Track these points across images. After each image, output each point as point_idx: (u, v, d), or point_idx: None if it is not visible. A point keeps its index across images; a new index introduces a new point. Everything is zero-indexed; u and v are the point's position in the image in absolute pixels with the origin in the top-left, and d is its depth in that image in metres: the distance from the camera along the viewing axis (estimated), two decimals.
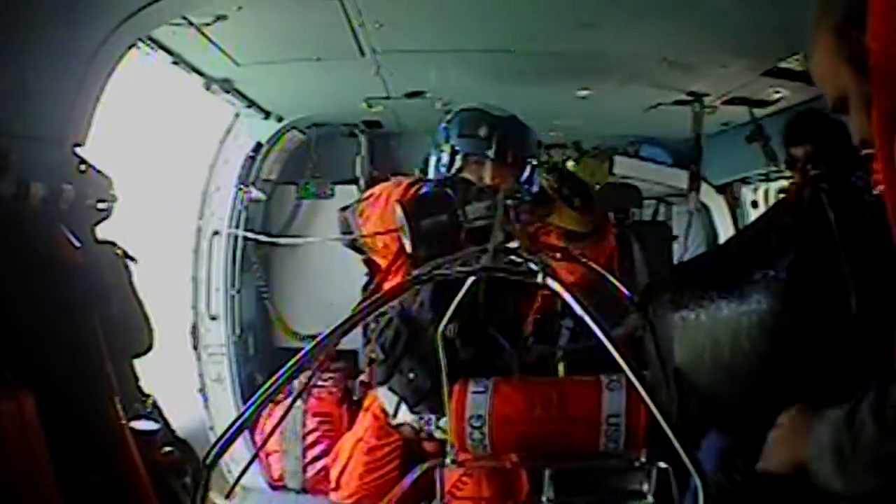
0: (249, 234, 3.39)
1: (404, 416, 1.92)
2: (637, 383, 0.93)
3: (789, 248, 1.18)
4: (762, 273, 1.11)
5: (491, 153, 1.85)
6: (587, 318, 0.98)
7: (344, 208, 2.02)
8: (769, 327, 1.07)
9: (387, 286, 1.74)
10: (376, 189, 1.95)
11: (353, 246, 1.98)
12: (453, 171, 1.90)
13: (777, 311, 1.08)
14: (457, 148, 1.90)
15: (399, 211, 1.54)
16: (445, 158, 1.91)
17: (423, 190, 1.76)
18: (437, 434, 1.88)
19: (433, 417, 1.88)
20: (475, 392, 1.31)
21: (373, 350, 1.94)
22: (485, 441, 1.28)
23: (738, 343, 1.11)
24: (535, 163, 1.96)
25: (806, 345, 1.02)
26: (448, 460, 1.39)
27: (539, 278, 1.10)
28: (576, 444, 1.26)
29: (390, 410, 1.94)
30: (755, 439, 1.06)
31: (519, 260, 1.27)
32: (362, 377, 2.58)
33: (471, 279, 1.46)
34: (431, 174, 1.97)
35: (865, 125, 0.89)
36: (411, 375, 1.87)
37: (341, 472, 1.99)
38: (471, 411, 1.29)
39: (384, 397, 1.96)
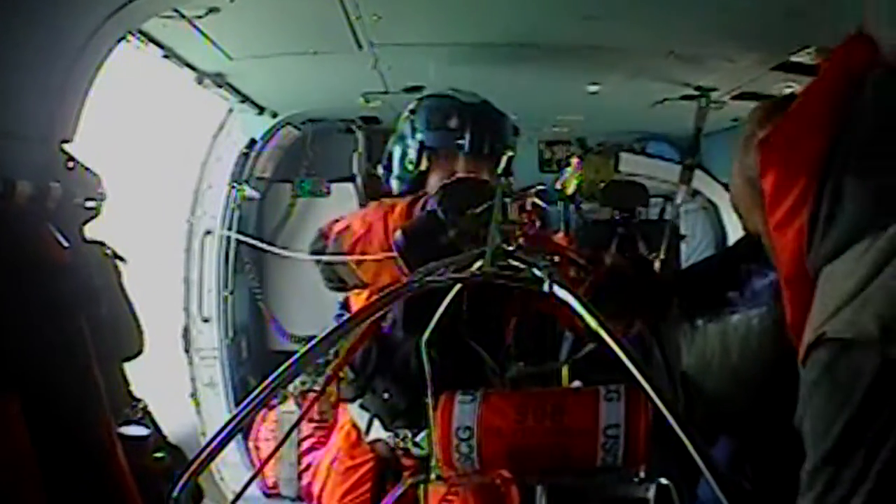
0: (242, 238, 3.38)
1: (378, 432, 1.87)
2: (652, 392, 0.91)
3: None
4: (774, 274, 1.11)
5: (464, 146, 1.74)
6: (599, 328, 0.96)
7: (316, 251, 1.81)
8: (780, 329, 1.07)
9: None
10: (353, 224, 1.75)
11: (341, 287, 1.80)
12: (422, 167, 1.81)
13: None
14: (425, 142, 1.79)
15: (393, 246, 1.49)
16: (412, 154, 1.80)
17: (412, 220, 1.65)
18: (414, 450, 1.83)
19: (409, 434, 1.83)
20: (463, 402, 1.28)
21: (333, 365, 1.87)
22: (472, 454, 1.25)
23: (748, 346, 1.11)
24: (511, 154, 1.87)
25: None
26: (433, 476, 1.36)
27: (545, 286, 1.07)
28: (571, 457, 1.23)
29: (363, 427, 1.89)
30: (764, 445, 1.06)
31: (520, 265, 1.24)
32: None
33: (455, 288, 1.41)
34: (396, 170, 1.88)
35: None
36: (385, 395, 1.81)
37: (321, 492, 1.96)
38: (458, 422, 1.25)
39: (356, 414, 1.91)
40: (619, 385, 1.23)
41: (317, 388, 3.30)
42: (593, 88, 2.75)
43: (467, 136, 1.74)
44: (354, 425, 1.92)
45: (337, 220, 1.84)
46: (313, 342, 1.01)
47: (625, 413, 1.21)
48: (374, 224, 1.70)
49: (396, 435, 1.83)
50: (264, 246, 3.30)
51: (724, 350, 1.13)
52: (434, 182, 1.79)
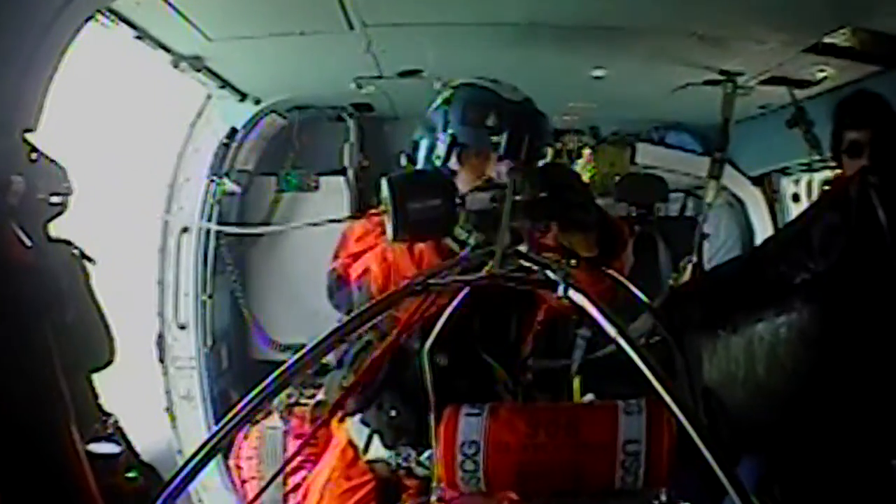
0: (224, 228, 3.38)
1: (377, 451, 1.85)
2: (674, 405, 0.90)
3: (833, 248, 1.18)
4: (802, 277, 1.10)
5: (501, 148, 1.71)
6: (620, 338, 0.96)
7: (340, 301, 1.76)
8: (810, 337, 1.07)
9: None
10: (371, 266, 1.68)
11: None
12: (452, 163, 1.82)
13: (819, 319, 1.08)
14: (458, 138, 1.77)
15: (385, 188, 1.46)
16: (442, 148, 1.78)
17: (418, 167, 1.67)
18: (419, 471, 1.81)
19: (412, 453, 1.80)
20: (469, 415, 1.28)
21: (346, 377, 1.83)
22: (478, 472, 1.24)
23: (776, 356, 1.11)
24: (546, 156, 1.88)
25: (851, 357, 1.02)
26: (433, 498, 1.35)
27: (559, 290, 1.06)
28: (586, 476, 1.23)
29: (361, 445, 1.87)
30: (794, 464, 1.06)
31: (532, 267, 1.24)
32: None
33: (460, 292, 1.40)
34: (422, 164, 1.89)
35: None
36: (393, 413, 1.79)
37: None
38: (463, 437, 1.24)
39: (354, 430, 1.89)
40: (640, 399, 1.22)
41: (304, 401, 3.31)
42: (598, 73, 2.74)
43: (505, 137, 1.72)
44: (351, 443, 1.92)
45: (351, 256, 1.80)
46: (305, 350, 1.01)
47: (646, 428, 1.20)
48: (401, 264, 1.61)
49: (398, 454, 1.83)
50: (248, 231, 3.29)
51: (749, 362, 1.13)
52: (463, 182, 1.78)
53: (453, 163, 1.78)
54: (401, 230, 1.42)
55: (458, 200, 1.44)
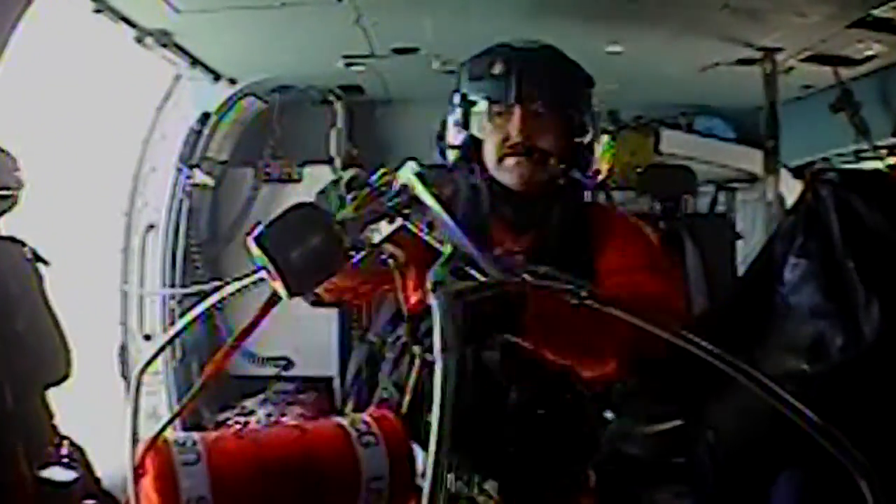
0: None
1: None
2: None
3: (789, 257, 1.23)
4: (766, 287, 1.13)
5: (511, 96, 1.70)
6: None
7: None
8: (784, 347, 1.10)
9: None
10: None
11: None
12: (476, 131, 1.83)
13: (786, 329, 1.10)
14: (469, 96, 1.78)
15: (254, 248, 1.39)
16: (458, 113, 1.78)
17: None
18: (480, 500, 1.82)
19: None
20: (186, 464, 1.24)
21: (385, 387, 1.86)
22: None
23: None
24: (590, 120, 1.84)
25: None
26: None
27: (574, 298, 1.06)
28: None
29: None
30: (838, 477, 1.07)
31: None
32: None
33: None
34: (452, 139, 1.91)
35: None
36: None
37: None
38: (188, 492, 1.17)
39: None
40: (370, 425, 1.27)
41: (284, 418, 3.31)
42: (614, 48, 2.74)
43: (514, 85, 1.69)
44: None
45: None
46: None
47: (388, 462, 1.24)
48: None
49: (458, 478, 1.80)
50: None
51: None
52: (490, 149, 1.80)
53: (477, 130, 1.80)
54: (292, 286, 1.36)
55: (336, 228, 1.39)
